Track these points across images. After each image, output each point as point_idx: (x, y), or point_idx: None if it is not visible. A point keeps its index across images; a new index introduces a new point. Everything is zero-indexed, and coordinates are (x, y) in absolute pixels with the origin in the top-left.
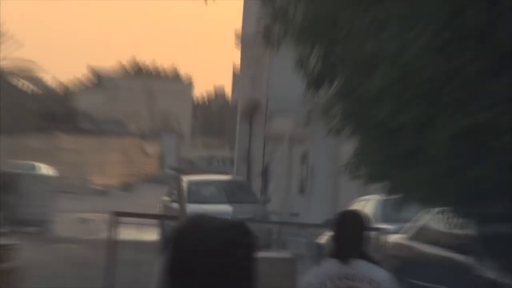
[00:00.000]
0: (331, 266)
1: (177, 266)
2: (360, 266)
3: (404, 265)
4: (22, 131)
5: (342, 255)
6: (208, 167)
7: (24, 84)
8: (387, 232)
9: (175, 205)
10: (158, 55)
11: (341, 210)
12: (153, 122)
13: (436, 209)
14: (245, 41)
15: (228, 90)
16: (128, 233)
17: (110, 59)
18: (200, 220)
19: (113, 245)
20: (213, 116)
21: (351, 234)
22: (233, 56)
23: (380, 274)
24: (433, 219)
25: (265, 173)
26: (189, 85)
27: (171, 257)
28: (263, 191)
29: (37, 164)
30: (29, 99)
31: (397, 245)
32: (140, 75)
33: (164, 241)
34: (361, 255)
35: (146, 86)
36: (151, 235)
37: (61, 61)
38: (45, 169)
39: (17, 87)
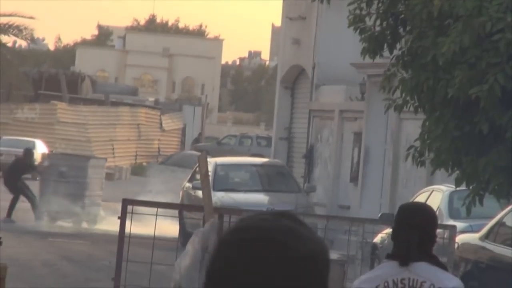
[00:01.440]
0: (388, 269)
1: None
2: (423, 270)
3: (475, 269)
4: (15, 100)
5: (402, 256)
6: (240, 147)
7: (19, 44)
8: (456, 231)
9: (199, 193)
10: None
11: (401, 202)
12: (172, 91)
13: None
14: None
15: (266, 55)
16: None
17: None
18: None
19: (123, 240)
20: (246, 85)
21: (414, 232)
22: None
23: (447, 279)
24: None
25: (309, 156)
26: (218, 48)
27: (208, 269)
28: (307, 178)
29: (36, 141)
30: (24, 62)
31: (467, 246)
32: (159, 35)
33: (184, 236)
34: (425, 257)
35: (165, 48)
36: (169, 228)
37: (67, 19)
38: (42, 147)
39: (10, 47)
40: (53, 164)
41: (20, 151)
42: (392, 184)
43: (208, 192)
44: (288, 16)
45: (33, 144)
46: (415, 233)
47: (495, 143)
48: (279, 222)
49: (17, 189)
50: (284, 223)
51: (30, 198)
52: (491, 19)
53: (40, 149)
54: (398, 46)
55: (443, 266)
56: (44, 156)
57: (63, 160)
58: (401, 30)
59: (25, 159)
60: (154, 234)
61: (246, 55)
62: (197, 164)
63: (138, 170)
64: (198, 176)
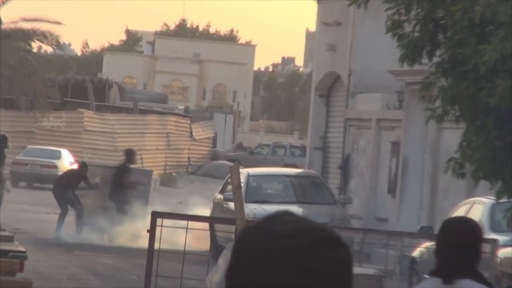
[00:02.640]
0: (430, 286)
1: (236, 277)
2: (468, 287)
3: None
4: (40, 108)
5: (446, 273)
6: (273, 157)
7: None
8: (498, 244)
9: (231, 205)
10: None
11: (441, 215)
12: (203, 98)
13: None
14: None
15: (300, 61)
16: (171, 239)
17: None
18: (270, 220)
19: (152, 254)
20: (279, 92)
21: (459, 248)
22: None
23: None
24: None
25: (345, 166)
26: (250, 54)
27: (230, 264)
28: (342, 189)
29: (62, 150)
30: (50, 68)
31: (508, 261)
32: (189, 41)
33: (215, 250)
34: (470, 274)
35: (196, 53)
36: (200, 242)
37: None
38: (68, 156)
39: (35, 53)
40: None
41: (45, 160)
42: (431, 196)
43: (240, 204)
44: (323, 21)
45: (59, 153)
46: (460, 249)
47: None
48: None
49: (66, 201)
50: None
51: (78, 209)
52: None
53: (66, 158)
54: (437, 53)
55: (488, 284)
56: (97, 170)
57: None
58: (440, 36)
59: (80, 172)
60: (185, 248)
61: (279, 61)
62: (229, 175)
63: (167, 181)
64: (229, 187)
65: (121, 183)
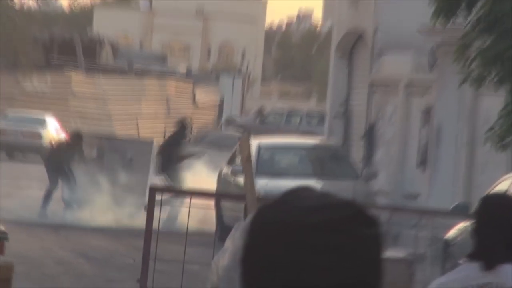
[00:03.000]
0: (469, 272)
1: (252, 259)
2: (510, 274)
3: None
4: (23, 69)
5: (486, 257)
6: (287, 126)
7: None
8: None
9: (239, 180)
10: None
11: (478, 191)
12: (208, 59)
13: None
14: None
15: (318, 15)
16: (171, 217)
17: None
18: (290, 195)
19: (151, 235)
20: (294, 53)
21: (501, 229)
22: None
23: None
24: None
25: (369, 136)
26: (261, 9)
27: (246, 244)
28: (367, 162)
29: (47, 117)
30: (33, 24)
31: None
32: None
33: (222, 230)
34: None
35: (199, 8)
36: (204, 221)
37: None
38: (54, 124)
39: (15, 8)
40: (107, 150)
41: (28, 129)
42: (467, 170)
43: (250, 179)
44: None
45: (44, 121)
46: (502, 229)
47: None
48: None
49: (59, 176)
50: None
51: (70, 185)
52: None
53: (52, 126)
54: (474, 11)
55: None
56: (90, 142)
57: (117, 145)
58: None
59: (72, 145)
60: (187, 228)
61: (294, 17)
62: (237, 145)
63: None
64: (238, 160)
65: (172, 158)
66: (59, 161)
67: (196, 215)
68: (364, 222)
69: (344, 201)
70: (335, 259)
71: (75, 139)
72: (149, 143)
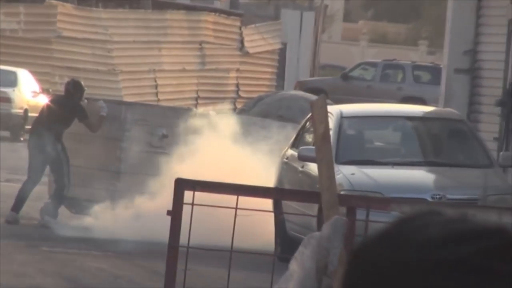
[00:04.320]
0: None
1: None
2: None
3: None
4: None
5: None
6: (383, 85)
7: None
8: None
9: (311, 168)
10: None
11: None
12: None
13: None
14: None
15: None
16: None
17: None
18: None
19: (177, 252)
20: None
21: None
22: None
23: None
24: None
25: (509, 102)
26: None
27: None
28: (504, 142)
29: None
30: None
31: None
32: None
33: (284, 245)
34: None
35: None
36: (255, 231)
37: None
38: (29, 80)
39: None
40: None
41: None
42: None
43: (328, 167)
44: None
45: (15, 76)
46: None
47: None
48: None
49: (45, 160)
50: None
51: (63, 180)
52: None
53: (27, 85)
54: None
55: None
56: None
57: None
58: None
59: (70, 100)
60: (232, 243)
61: None
62: (308, 116)
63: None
64: (309, 138)
65: (48, 137)
66: (46, 137)
67: (243, 222)
68: None
69: (486, 228)
70: None
71: (74, 91)
72: (187, 111)
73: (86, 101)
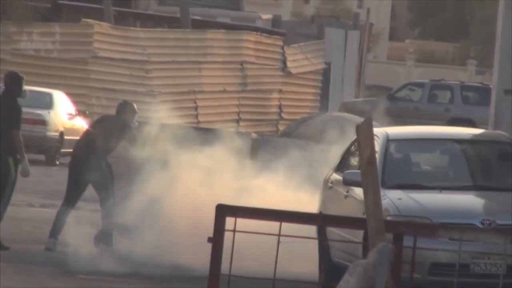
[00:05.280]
0: None
1: None
2: None
3: None
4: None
5: None
6: (430, 106)
7: None
8: None
9: (357, 193)
10: None
11: None
12: (306, 1)
13: None
14: None
15: None
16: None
17: None
18: None
19: (218, 282)
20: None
21: None
22: None
23: None
24: None
25: None
26: None
27: None
28: None
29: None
30: None
31: None
32: None
33: (329, 273)
34: None
35: None
36: (296, 258)
37: None
38: (66, 103)
39: None
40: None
41: (26, 111)
42: None
43: (374, 192)
44: None
45: (50, 98)
46: None
47: None
48: None
49: (86, 183)
50: None
51: (108, 197)
52: None
53: (63, 108)
54: None
55: None
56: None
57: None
58: None
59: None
60: (275, 271)
61: None
62: (354, 139)
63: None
64: (355, 162)
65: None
66: (90, 159)
67: (284, 250)
68: None
69: None
70: None
71: (124, 115)
72: (246, 135)
73: (137, 123)
